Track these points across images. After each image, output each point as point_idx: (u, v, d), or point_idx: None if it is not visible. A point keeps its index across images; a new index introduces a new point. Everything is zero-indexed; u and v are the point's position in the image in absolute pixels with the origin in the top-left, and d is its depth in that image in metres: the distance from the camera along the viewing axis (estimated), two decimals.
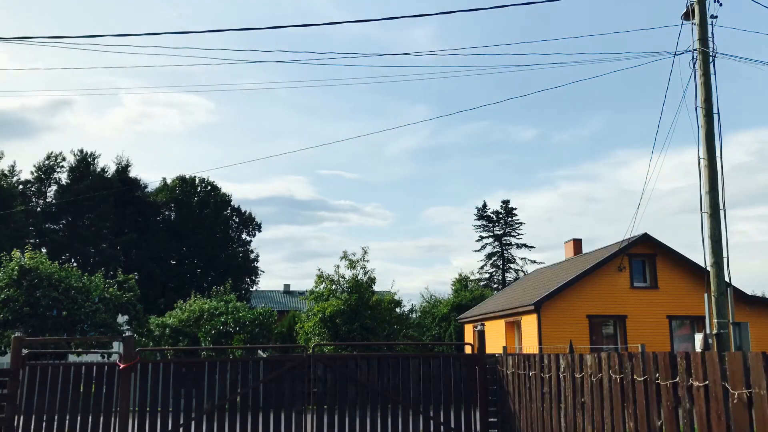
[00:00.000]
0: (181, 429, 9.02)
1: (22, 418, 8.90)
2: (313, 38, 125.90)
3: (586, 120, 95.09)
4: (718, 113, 12.25)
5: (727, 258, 11.82)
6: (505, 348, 21.22)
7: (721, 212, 11.89)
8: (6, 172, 51.85)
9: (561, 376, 7.27)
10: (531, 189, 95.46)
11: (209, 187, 61.07)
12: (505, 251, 65.45)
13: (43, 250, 45.28)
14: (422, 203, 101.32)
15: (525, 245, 65.53)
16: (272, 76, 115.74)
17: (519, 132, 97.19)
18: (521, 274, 60.65)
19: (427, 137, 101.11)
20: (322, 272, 24.55)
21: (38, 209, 53.25)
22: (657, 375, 5.28)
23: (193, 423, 9.05)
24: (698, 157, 12.24)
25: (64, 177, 54.84)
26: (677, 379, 5.00)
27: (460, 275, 50.99)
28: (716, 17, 12.42)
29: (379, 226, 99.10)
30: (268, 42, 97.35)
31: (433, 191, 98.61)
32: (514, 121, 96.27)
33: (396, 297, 25.81)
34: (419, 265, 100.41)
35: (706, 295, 12.12)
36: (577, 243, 31.70)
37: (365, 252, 24.54)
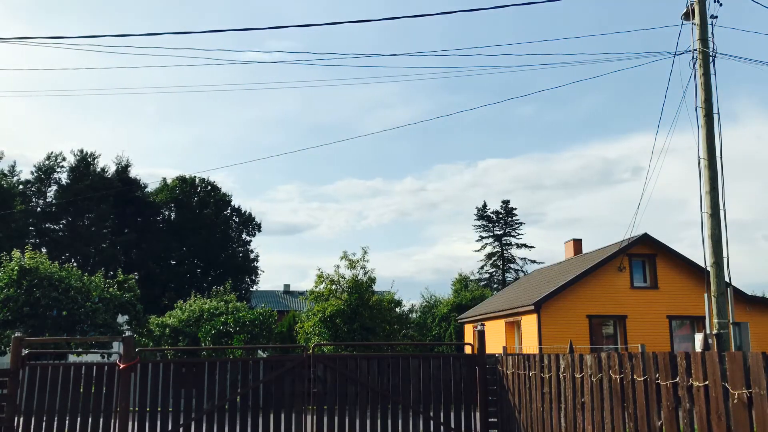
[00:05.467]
0: (181, 429, 9.02)
1: (22, 418, 8.90)
2: (313, 38, 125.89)
3: (582, 109, 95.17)
4: (718, 113, 12.26)
5: (727, 258, 11.83)
6: (505, 348, 21.21)
7: (721, 212, 11.89)
8: (6, 172, 51.83)
9: (561, 376, 7.27)
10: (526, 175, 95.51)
11: (209, 187, 61.05)
12: (505, 251, 65.43)
13: (43, 250, 45.26)
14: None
15: (525, 245, 65.53)
16: (272, 75, 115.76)
17: (517, 108, 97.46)
18: (521, 274, 60.63)
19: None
20: (322, 272, 24.53)
21: (38, 209, 53.22)
22: (657, 375, 5.28)
23: (193, 423, 9.05)
24: (698, 157, 12.24)
25: (64, 177, 54.85)
26: (677, 379, 5.00)
27: (460, 275, 51.04)
28: (716, 17, 12.43)
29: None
30: (268, 42, 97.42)
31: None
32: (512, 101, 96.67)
33: (396, 297, 25.80)
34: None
35: (706, 295, 12.12)
36: (577, 243, 31.69)
37: (365, 252, 24.52)
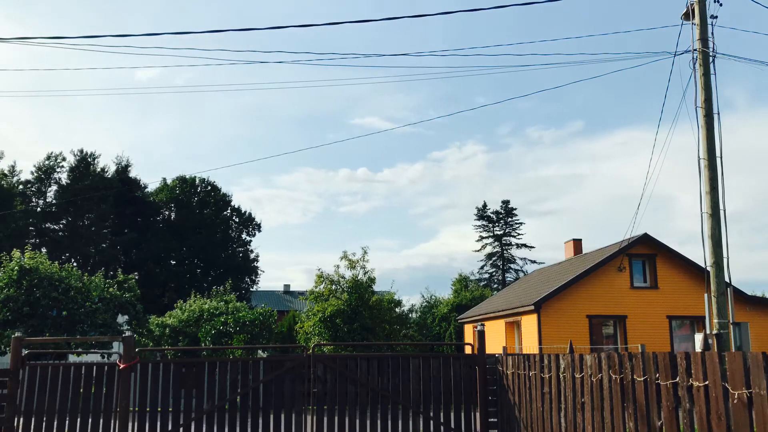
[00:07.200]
0: (181, 429, 9.02)
1: (22, 418, 8.90)
2: (313, 38, 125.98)
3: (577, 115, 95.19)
4: (718, 113, 12.26)
5: (727, 258, 11.84)
6: (505, 348, 21.21)
7: (721, 212, 11.90)
8: (6, 172, 51.81)
9: (561, 376, 7.27)
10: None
11: (209, 187, 61.06)
12: (505, 251, 65.44)
13: (43, 250, 45.25)
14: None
15: (525, 245, 65.55)
16: (272, 76, 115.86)
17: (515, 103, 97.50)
18: (521, 274, 60.64)
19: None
20: (321, 272, 24.54)
21: (38, 209, 53.20)
22: (657, 375, 5.28)
23: (193, 423, 9.05)
24: (698, 157, 12.24)
25: (64, 177, 54.82)
26: (677, 379, 5.00)
27: (460, 275, 51.06)
28: (716, 17, 12.43)
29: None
30: (268, 42, 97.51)
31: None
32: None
33: (396, 297, 25.80)
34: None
35: (706, 295, 12.12)
36: (577, 243, 31.70)
37: (365, 252, 24.53)
